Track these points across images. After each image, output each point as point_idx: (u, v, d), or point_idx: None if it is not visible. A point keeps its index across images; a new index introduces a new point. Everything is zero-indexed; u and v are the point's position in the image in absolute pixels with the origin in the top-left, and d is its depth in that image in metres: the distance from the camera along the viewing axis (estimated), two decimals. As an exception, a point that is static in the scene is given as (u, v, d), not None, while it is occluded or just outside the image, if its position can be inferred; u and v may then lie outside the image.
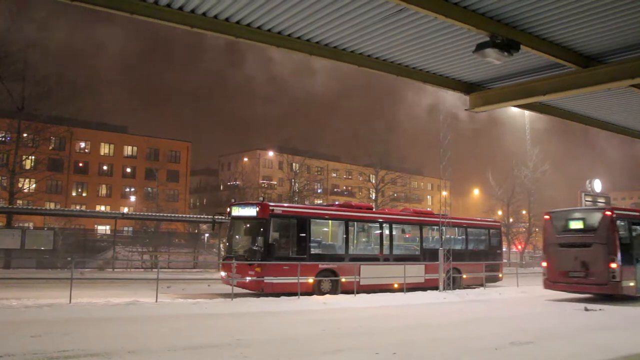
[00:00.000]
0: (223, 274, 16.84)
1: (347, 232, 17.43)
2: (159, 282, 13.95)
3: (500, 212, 49.16)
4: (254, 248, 15.74)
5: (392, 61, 9.99)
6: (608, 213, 15.47)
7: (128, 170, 64.96)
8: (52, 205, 51.89)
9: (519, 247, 47.92)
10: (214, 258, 31.57)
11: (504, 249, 27.70)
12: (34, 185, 35.97)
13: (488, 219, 26.72)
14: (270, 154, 67.92)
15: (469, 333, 10.12)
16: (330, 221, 17.79)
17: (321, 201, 64.18)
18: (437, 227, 19.33)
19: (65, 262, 24.31)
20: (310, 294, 15.66)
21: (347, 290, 16.36)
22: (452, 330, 10.44)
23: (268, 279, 15.14)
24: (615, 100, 11.91)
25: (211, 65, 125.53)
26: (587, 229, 15.83)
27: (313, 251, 16.48)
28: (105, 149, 64.01)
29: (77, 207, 55.46)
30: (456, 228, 20.74)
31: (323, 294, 16.10)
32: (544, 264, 17.07)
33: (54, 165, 45.63)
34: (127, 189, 63.87)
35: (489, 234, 22.00)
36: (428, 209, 52.36)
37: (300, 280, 15.18)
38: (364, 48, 9.39)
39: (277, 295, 15.04)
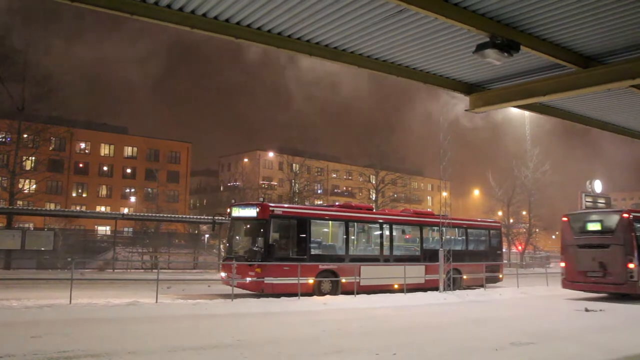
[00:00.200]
0: (223, 274, 16.83)
1: (347, 232, 17.43)
2: (159, 282, 13.94)
3: (500, 213, 49.15)
4: (254, 249, 15.73)
5: (392, 62, 9.98)
6: (625, 215, 15.96)
7: (128, 171, 64.98)
8: (52, 206, 51.95)
9: (519, 247, 47.88)
10: (214, 259, 31.58)
11: (504, 250, 27.67)
12: (34, 186, 36.02)
13: (488, 220, 26.70)
14: (271, 154, 67.98)
15: (469, 334, 10.12)
16: (330, 222, 17.79)
17: (321, 202, 64.14)
18: (437, 227, 19.32)
19: (66, 263, 24.31)
20: (310, 294, 15.66)
21: (348, 291, 16.35)
22: (453, 331, 10.44)
23: (268, 280, 15.14)
24: (616, 100, 11.89)
25: (213, 67, 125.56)
26: (604, 231, 16.38)
27: (313, 252, 16.48)
28: (105, 150, 64.05)
29: (77, 208, 55.45)
30: (456, 229, 20.74)
31: (323, 294, 16.09)
32: (562, 264, 17.63)
33: (54, 166, 45.69)
34: (127, 190, 63.87)
35: (489, 234, 21.99)
36: (428, 209, 52.37)
37: (301, 281, 15.18)
38: (364, 49, 9.38)
39: (278, 296, 15.03)
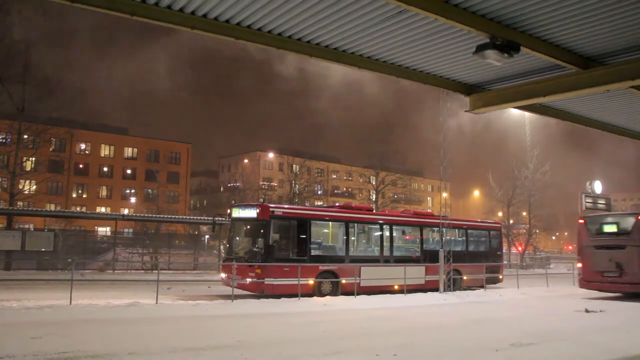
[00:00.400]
0: (223, 275, 16.83)
1: (347, 233, 17.43)
2: (159, 283, 13.93)
3: (500, 214, 49.11)
4: (254, 249, 15.73)
5: (392, 63, 9.99)
6: None
7: (128, 171, 65.00)
8: (52, 207, 51.98)
9: (520, 248, 47.85)
10: (214, 259, 31.56)
11: (504, 251, 27.65)
12: (34, 187, 36.06)
13: (488, 221, 26.71)
14: (271, 155, 68.01)
15: (469, 334, 10.11)
16: (330, 223, 17.78)
17: (321, 203, 64.16)
18: (438, 228, 19.30)
19: (66, 264, 24.29)
20: (310, 295, 15.65)
21: (348, 292, 16.35)
22: (453, 332, 10.44)
23: (268, 281, 15.13)
24: (616, 101, 11.91)
25: (214, 67, 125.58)
26: (620, 233, 16.99)
27: (313, 253, 16.47)
28: (105, 151, 64.08)
29: (78, 209, 55.50)
30: (456, 229, 20.73)
31: (323, 295, 16.08)
32: (579, 265, 18.13)
33: (55, 167, 45.72)
34: (128, 191, 63.90)
35: (489, 235, 21.98)
36: (428, 210, 52.42)
37: (301, 282, 15.17)
38: (364, 50, 9.40)
39: (278, 296, 15.04)
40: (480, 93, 11.35)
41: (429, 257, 19.13)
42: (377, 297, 16.12)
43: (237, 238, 17.42)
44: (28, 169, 35.94)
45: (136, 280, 21.65)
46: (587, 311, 13.73)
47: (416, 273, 18.37)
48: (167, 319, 11.03)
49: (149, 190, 60.79)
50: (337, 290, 16.50)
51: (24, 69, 28.31)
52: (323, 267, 16.44)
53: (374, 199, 49.75)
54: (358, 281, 16.63)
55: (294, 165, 54.38)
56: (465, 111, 11.85)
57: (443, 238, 18.99)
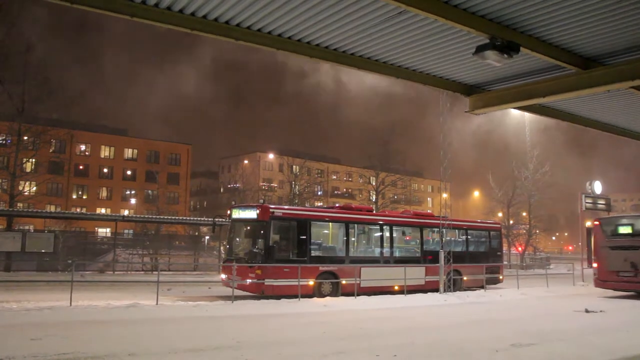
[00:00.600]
0: (223, 276, 16.83)
1: (347, 234, 17.43)
2: (160, 284, 13.94)
3: (500, 214, 49.09)
4: (255, 250, 15.73)
5: (392, 63, 9.99)
6: None
7: (128, 172, 65.00)
8: (52, 208, 51.99)
9: (520, 248, 47.82)
10: (214, 260, 31.53)
11: (504, 251, 27.64)
12: (34, 188, 36.00)
13: (488, 221, 26.71)
14: (271, 156, 68.02)
15: (469, 335, 10.11)
16: (330, 223, 17.78)
17: (321, 203, 64.16)
18: (438, 229, 19.31)
19: (66, 265, 24.29)
20: (310, 296, 15.65)
21: (348, 293, 16.35)
22: (453, 332, 10.43)
23: (268, 282, 15.14)
24: (616, 101, 11.90)
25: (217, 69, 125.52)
26: (635, 234, 17.52)
27: (313, 253, 16.47)
28: (105, 152, 64.09)
29: (78, 210, 55.44)
30: (456, 230, 20.73)
31: (323, 296, 16.08)
32: (595, 265, 18.63)
33: (55, 168, 45.72)
34: (128, 192, 63.93)
35: (489, 235, 21.99)
36: (428, 211, 52.45)
37: (301, 283, 15.17)
38: (364, 50, 9.39)
39: (278, 297, 15.04)
40: (480, 94, 11.34)
41: (429, 257, 19.13)
42: (377, 297, 16.13)
43: (237, 239, 17.42)
44: (28, 170, 35.87)
45: (136, 281, 21.65)
46: (587, 311, 13.74)
47: (416, 274, 18.37)
48: (168, 320, 11.03)
49: (149, 191, 60.79)
50: (337, 291, 16.50)
51: (24, 69, 28.29)
52: (323, 267, 16.44)
53: (374, 200, 49.75)
54: (358, 282, 16.63)
55: (294, 166, 54.39)
56: (465, 112, 11.84)
57: (443, 238, 18.99)
